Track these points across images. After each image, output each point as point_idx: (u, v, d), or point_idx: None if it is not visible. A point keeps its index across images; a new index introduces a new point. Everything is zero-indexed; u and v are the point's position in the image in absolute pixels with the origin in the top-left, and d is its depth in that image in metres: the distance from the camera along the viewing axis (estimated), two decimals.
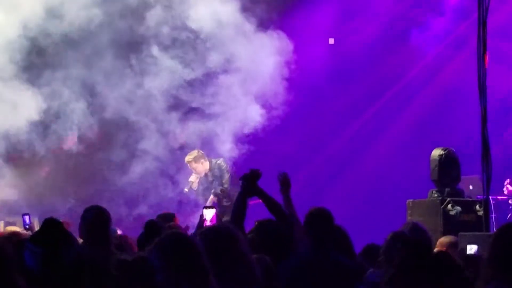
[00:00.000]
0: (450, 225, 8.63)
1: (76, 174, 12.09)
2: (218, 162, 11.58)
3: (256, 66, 11.61)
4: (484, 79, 7.57)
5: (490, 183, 7.68)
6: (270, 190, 6.03)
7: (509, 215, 11.77)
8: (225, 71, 11.80)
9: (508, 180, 11.92)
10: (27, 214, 9.02)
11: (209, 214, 6.69)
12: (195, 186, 11.63)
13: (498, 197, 11.86)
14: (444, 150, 9.17)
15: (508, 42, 12.79)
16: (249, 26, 11.54)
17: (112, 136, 12.03)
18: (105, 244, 5.60)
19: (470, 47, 8.59)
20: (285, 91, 11.80)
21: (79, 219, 5.94)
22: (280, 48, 11.65)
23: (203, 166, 11.62)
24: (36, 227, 8.90)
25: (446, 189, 9.08)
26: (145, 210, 11.54)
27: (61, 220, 3.67)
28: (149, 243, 3.77)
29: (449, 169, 9.10)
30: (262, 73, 11.62)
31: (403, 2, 13.70)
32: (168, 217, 7.77)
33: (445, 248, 6.31)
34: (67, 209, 11.27)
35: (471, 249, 6.55)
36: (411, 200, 9.34)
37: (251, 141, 11.74)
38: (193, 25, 11.52)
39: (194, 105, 11.95)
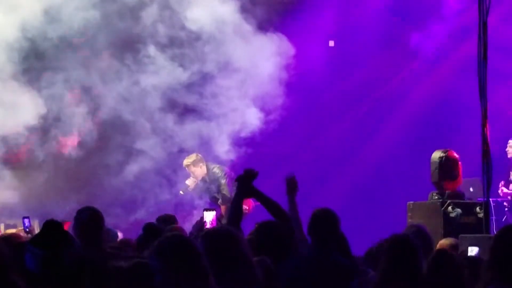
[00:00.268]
0: (451, 227, 8.63)
1: (76, 176, 12.08)
2: (213, 170, 11.56)
3: (255, 67, 11.60)
4: (484, 80, 7.58)
5: (490, 185, 7.69)
6: (270, 192, 6.01)
7: (505, 217, 11.76)
8: (224, 72, 11.78)
9: (502, 182, 11.91)
10: (27, 217, 9.00)
11: (209, 216, 6.68)
12: (191, 189, 11.62)
13: (499, 199, 11.85)
14: (444, 152, 9.17)
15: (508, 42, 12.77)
16: (248, 28, 11.52)
17: (110, 138, 12.02)
18: (98, 245, 5.59)
19: (470, 49, 8.59)
20: (284, 93, 11.79)
21: None
22: (279, 50, 11.64)
23: (202, 170, 11.60)
24: (37, 230, 8.89)
25: (447, 191, 9.08)
26: (143, 213, 11.53)
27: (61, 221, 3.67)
28: (148, 245, 3.77)
29: (449, 171, 9.11)
30: (261, 75, 11.61)
31: (403, 5, 13.70)
32: (169, 220, 7.76)
33: None
34: (67, 212, 11.26)
35: (472, 251, 6.56)
36: (411, 202, 9.34)
37: (249, 143, 11.73)
38: (191, 25, 11.49)
39: (191, 106, 11.94)
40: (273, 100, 11.74)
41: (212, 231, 4.41)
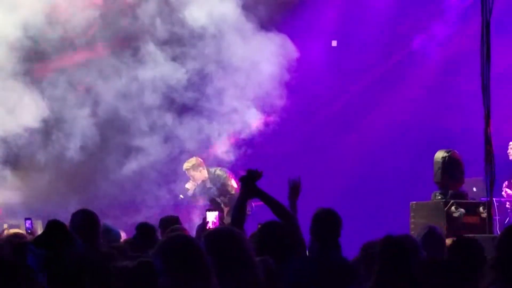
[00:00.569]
0: (454, 227, 8.62)
1: (78, 177, 12.07)
2: (217, 172, 11.52)
3: (256, 67, 11.57)
4: (487, 80, 7.57)
5: (493, 185, 7.69)
6: (269, 193, 6.00)
7: (508, 218, 11.73)
8: (224, 72, 11.75)
9: (506, 183, 11.88)
10: (29, 218, 9.01)
11: (211, 217, 6.68)
12: (191, 193, 11.60)
13: (502, 199, 11.83)
14: (448, 152, 9.17)
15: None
16: (249, 27, 11.49)
17: (110, 138, 12.01)
18: (93, 246, 5.61)
19: (473, 49, 8.57)
20: (285, 93, 11.77)
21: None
22: (281, 50, 11.62)
23: (201, 174, 11.57)
24: (39, 231, 8.89)
25: (450, 191, 9.07)
26: (144, 213, 11.51)
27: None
28: (143, 244, 3.76)
29: (452, 171, 9.10)
30: (262, 75, 11.59)
31: (406, 5, 13.68)
32: (172, 221, 7.75)
33: None
34: (70, 212, 11.24)
35: None
36: (414, 202, 9.33)
37: (249, 144, 11.72)
38: (191, 24, 11.46)
39: (191, 106, 11.92)
40: (273, 100, 11.73)
41: (214, 231, 4.41)
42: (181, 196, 11.62)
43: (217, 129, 11.73)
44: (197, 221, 10.91)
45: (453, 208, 8.83)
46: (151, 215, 10.64)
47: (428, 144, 11.80)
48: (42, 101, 11.35)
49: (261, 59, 11.58)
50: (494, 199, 8.34)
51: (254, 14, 11.54)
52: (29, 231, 8.57)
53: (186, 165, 11.60)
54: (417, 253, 4.66)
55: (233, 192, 11.32)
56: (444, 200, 8.97)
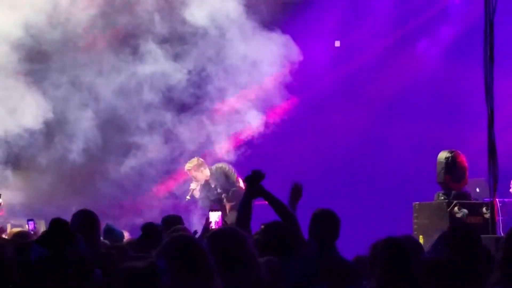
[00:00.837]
0: None
1: (80, 177, 12.08)
2: (220, 166, 11.48)
3: (258, 67, 11.56)
4: (490, 81, 7.56)
5: (496, 186, 7.67)
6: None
7: None
8: (225, 71, 11.74)
9: None
10: (32, 219, 9.01)
11: (214, 217, 6.68)
12: (196, 193, 11.56)
13: (505, 199, 11.81)
14: (451, 153, 9.16)
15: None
16: (252, 26, 11.47)
17: (111, 138, 12.00)
18: (95, 246, 5.62)
19: (476, 50, 8.56)
20: (287, 93, 11.76)
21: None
22: (283, 49, 11.60)
23: (203, 174, 11.53)
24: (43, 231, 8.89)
25: (453, 192, 9.06)
26: (145, 213, 11.51)
27: None
28: (148, 245, 3.76)
29: (455, 172, 9.09)
30: (264, 75, 11.58)
31: (409, 6, 13.68)
32: (174, 220, 7.75)
33: None
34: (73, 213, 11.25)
35: None
36: (417, 202, 9.33)
37: (249, 144, 11.71)
38: (193, 23, 11.44)
39: (191, 106, 11.92)
40: (275, 100, 11.72)
41: (217, 232, 4.41)
42: (188, 197, 11.59)
43: (217, 129, 11.71)
44: (195, 221, 10.92)
45: (456, 208, 8.83)
46: (151, 215, 10.64)
47: (431, 144, 11.80)
48: (43, 101, 11.34)
49: (263, 59, 11.57)
50: (497, 199, 8.31)
51: (256, 14, 11.52)
52: (32, 232, 8.58)
53: (187, 166, 11.57)
54: (418, 254, 4.66)
55: (237, 184, 11.25)
56: (447, 200, 8.96)
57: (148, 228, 6.48)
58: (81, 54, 11.68)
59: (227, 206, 11.31)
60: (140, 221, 10.91)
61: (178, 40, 11.69)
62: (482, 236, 7.38)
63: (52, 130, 11.66)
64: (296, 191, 6.23)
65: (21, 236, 7.07)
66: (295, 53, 11.76)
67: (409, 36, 13.65)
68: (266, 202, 5.89)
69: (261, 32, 11.57)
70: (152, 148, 11.84)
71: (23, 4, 11.05)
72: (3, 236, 8.22)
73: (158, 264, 3.72)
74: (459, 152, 9.25)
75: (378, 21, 13.70)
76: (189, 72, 11.73)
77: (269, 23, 11.75)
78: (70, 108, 11.68)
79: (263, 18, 11.66)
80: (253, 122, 11.70)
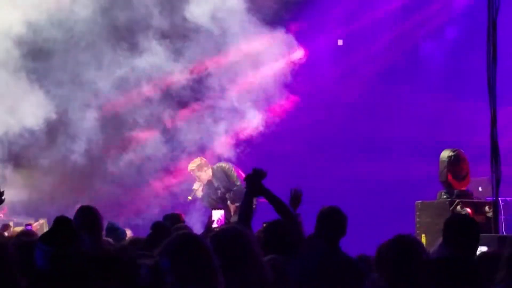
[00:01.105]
0: None
1: (83, 177, 12.08)
2: (221, 165, 11.45)
3: (262, 65, 11.55)
4: (493, 80, 7.55)
5: (499, 185, 7.66)
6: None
7: None
8: (227, 70, 11.73)
9: None
10: (29, 224, 9.07)
11: (217, 215, 6.68)
12: (199, 193, 11.53)
13: (508, 198, 11.79)
14: (453, 152, 9.15)
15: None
16: (254, 24, 11.45)
17: (112, 137, 12.00)
18: (96, 242, 5.63)
19: (479, 50, 8.55)
20: (289, 91, 11.75)
21: None
22: (286, 48, 11.59)
23: (207, 174, 11.50)
24: (45, 229, 8.92)
25: (455, 191, 9.06)
26: (145, 212, 11.51)
27: None
28: (157, 243, 3.76)
29: (458, 171, 9.08)
30: (266, 73, 11.57)
31: (412, 5, 13.67)
32: (175, 218, 7.76)
33: None
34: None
35: (481, 251, 6.52)
36: (419, 201, 9.32)
37: (250, 144, 11.70)
38: (194, 20, 11.42)
39: (191, 106, 11.91)
40: (276, 99, 11.70)
41: (220, 231, 4.41)
42: (190, 197, 11.57)
43: (217, 125, 11.70)
44: (194, 221, 10.92)
45: (458, 207, 8.81)
46: (150, 214, 10.65)
47: (434, 143, 11.79)
48: (45, 99, 11.35)
49: (265, 57, 11.55)
50: (500, 198, 8.31)
51: (259, 12, 11.50)
52: None
53: (191, 166, 11.53)
54: (421, 253, 4.65)
55: (238, 183, 11.21)
56: (449, 199, 8.95)
57: (158, 227, 6.49)
58: (82, 51, 11.67)
59: (232, 207, 11.28)
60: (139, 220, 10.95)
61: (180, 35, 11.67)
62: (485, 235, 7.40)
63: (55, 129, 11.66)
64: (295, 198, 6.24)
65: (25, 235, 7.09)
66: (297, 51, 11.75)
67: (412, 35, 13.64)
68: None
69: (263, 30, 11.55)
70: (151, 144, 11.82)
71: (25, 1, 11.05)
72: (6, 234, 8.25)
73: (161, 262, 3.71)
74: (462, 150, 9.24)
75: (381, 21, 13.69)
76: (189, 69, 11.72)
77: (271, 21, 11.73)
78: (72, 108, 11.67)
79: (265, 15, 11.63)
80: (253, 120, 11.68)
